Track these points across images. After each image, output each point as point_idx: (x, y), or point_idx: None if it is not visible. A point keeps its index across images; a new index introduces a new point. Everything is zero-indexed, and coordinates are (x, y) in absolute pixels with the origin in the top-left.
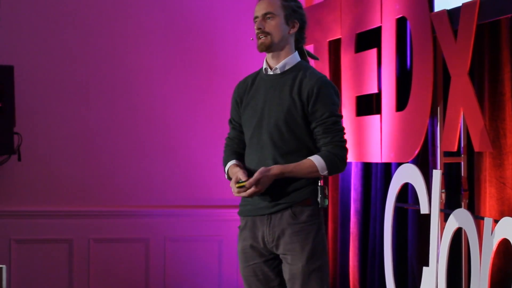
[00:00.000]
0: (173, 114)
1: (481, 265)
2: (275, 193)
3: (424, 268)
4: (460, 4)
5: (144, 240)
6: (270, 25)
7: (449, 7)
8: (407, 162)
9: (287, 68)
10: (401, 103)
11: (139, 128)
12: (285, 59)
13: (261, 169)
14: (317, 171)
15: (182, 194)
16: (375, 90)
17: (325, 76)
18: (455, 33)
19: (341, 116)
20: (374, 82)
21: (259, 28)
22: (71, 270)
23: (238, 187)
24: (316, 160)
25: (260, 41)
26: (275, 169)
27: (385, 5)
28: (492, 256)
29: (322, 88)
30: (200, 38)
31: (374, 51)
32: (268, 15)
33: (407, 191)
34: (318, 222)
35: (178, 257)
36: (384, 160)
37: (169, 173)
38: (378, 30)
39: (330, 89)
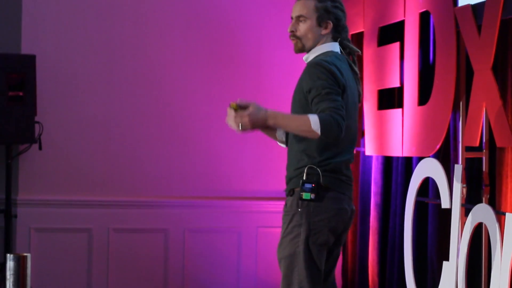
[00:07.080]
0: (194, 105)
1: (502, 260)
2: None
3: (444, 262)
4: None
5: (163, 230)
6: (301, 29)
7: (473, 2)
8: (429, 157)
9: (310, 58)
10: (423, 98)
11: (160, 119)
12: (311, 50)
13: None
14: (310, 125)
15: (202, 185)
16: (397, 84)
17: (322, 60)
18: (479, 28)
19: (334, 90)
20: (397, 76)
21: (291, 31)
22: (90, 259)
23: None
24: (311, 115)
25: (293, 43)
26: (270, 110)
27: None
28: None
29: (309, 69)
30: (223, 29)
31: (396, 45)
32: (300, 18)
33: (428, 185)
34: (293, 214)
35: (197, 248)
36: (406, 154)
37: (189, 164)
38: (401, 24)
39: (317, 67)
